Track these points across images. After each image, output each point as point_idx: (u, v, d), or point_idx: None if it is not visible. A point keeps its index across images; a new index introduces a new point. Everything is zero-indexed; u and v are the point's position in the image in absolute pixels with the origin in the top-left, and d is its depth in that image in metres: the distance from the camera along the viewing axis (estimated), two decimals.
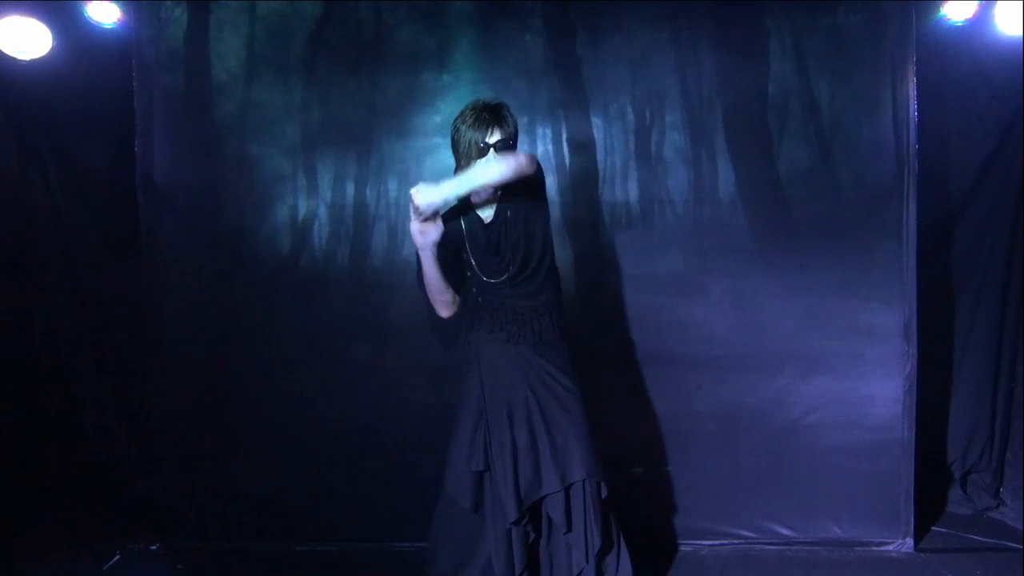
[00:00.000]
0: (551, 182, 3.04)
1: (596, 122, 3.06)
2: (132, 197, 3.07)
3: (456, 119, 2.32)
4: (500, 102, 2.31)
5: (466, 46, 3.05)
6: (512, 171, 2.21)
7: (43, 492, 3.46)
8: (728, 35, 3.03)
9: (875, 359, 3.05)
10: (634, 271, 3.08)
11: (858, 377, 3.06)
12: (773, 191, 3.06)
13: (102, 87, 3.24)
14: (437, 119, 3.06)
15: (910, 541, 3.06)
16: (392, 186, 3.07)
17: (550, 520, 2.33)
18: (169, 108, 3.06)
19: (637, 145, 3.07)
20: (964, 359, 3.59)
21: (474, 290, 2.41)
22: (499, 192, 2.39)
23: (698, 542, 3.11)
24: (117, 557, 3.04)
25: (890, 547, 3.06)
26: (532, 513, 2.32)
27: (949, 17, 3.09)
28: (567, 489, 2.28)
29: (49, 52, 3.05)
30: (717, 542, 3.11)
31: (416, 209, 2.20)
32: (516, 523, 2.27)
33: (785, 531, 3.11)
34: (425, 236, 2.25)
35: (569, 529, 2.30)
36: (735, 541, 3.11)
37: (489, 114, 2.26)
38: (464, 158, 2.29)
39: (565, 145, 3.07)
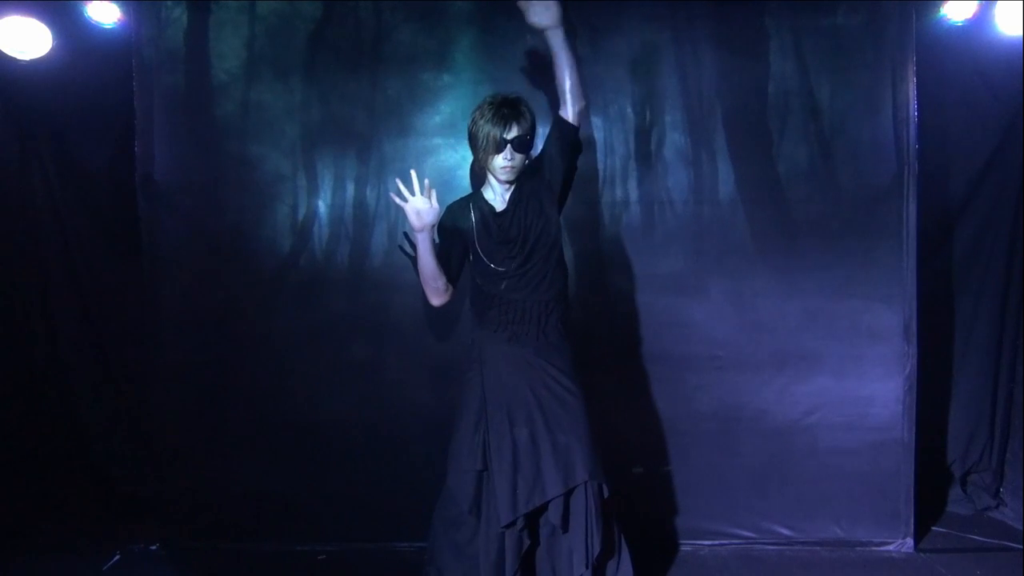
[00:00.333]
0: None
1: (596, 122, 3.06)
2: (132, 197, 3.07)
3: (474, 112, 2.33)
4: (518, 96, 2.33)
5: (466, 46, 3.05)
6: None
7: (43, 492, 3.46)
8: (728, 35, 3.03)
9: (875, 359, 3.05)
10: (634, 271, 3.08)
11: (858, 377, 3.06)
12: (773, 191, 3.06)
13: (102, 87, 3.23)
14: (437, 119, 3.06)
15: (910, 541, 3.06)
16: (392, 186, 3.05)
17: (551, 526, 2.33)
18: (169, 108, 3.06)
19: (637, 145, 3.07)
20: (964, 359, 3.59)
21: (482, 284, 2.41)
22: (514, 182, 2.41)
23: (698, 542, 3.11)
24: (117, 557, 3.04)
25: (890, 547, 3.06)
26: (529, 520, 2.32)
27: (949, 17, 3.09)
28: (568, 492, 2.28)
29: (49, 52, 3.05)
30: (717, 542, 3.11)
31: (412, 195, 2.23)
32: (508, 527, 2.26)
33: (785, 531, 3.11)
34: (422, 219, 2.27)
35: (566, 530, 2.29)
36: (735, 541, 3.11)
37: (508, 109, 2.28)
38: (482, 152, 2.32)
39: None
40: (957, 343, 3.59)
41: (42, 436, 3.49)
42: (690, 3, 3.03)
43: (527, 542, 2.33)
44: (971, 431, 3.60)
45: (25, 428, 3.45)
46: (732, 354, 3.08)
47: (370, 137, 3.07)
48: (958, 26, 3.12)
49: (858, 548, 3.07)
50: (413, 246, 2.39)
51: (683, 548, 3.09)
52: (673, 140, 3.07)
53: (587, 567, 2.27)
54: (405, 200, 2.31)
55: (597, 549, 2.27)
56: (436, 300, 2.45)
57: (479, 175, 2.49)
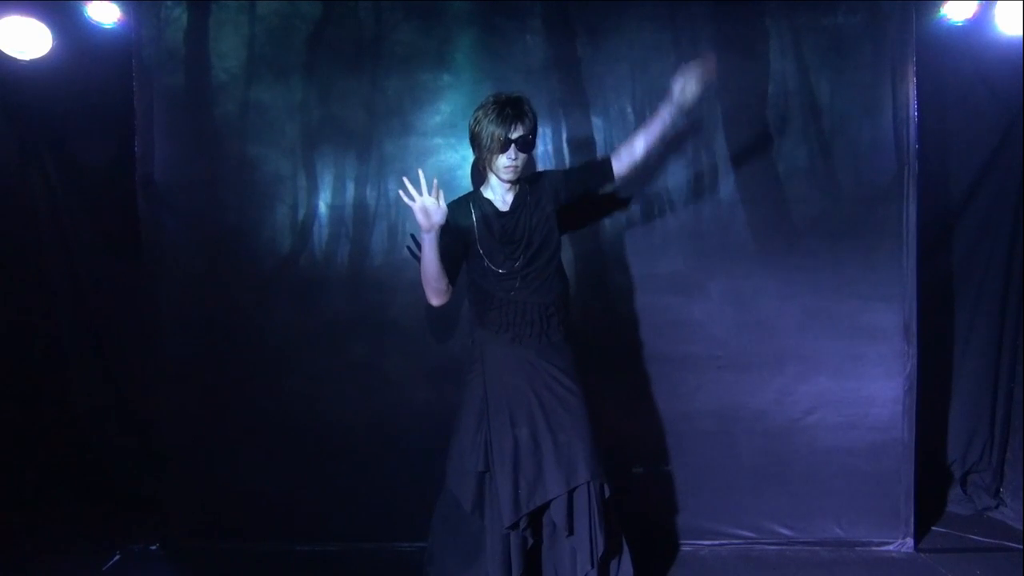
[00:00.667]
0: None
1: (596, 122, 3.06)
2: (132, 197, 3.07)
3: (477, 111, 2.35)
4: (521, 96, 2.34)
5: (466, 46, 3.05)
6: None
7: (43, 492, 3.46)
8: (728, 35, 3.03)
9: (875, 359, 3.06)
10: (634, 271, 3.08)
11: (858, 377, 3.06)
12: (773, 191, 3.06)
13: (102, 87, 3.24)
14: (437, 119, 3.06)
15: (910, 541, 3.06)
16: (392, 186, 3.07)
17: (553, 525, 2.33)
18: (169, 108, 3.06)
19: None
20: (964, 359, 3.59)
21: (481, 284, 2.42)
22: (517, 183, 2.43)
23: (698, 542, 3.12)
24: (117, 557, 3.04)
25: (890, 547, 3.06)
26: (532, 518, 2.32)
27: (949, 17, 3.09)
28: (571, 492, 2.28)
29: (49, 52, 3.05)
30: (717, 542, 3.11)
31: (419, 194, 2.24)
32: (513, 527, 2.26)
33: (785, 531, 3.11)
34: (430, 219, 2.27)
35: (571, 532, 2.29)
36: (735, 541, 3.11)
37: (512, 109, 2.29)
38: (487, 152, 2.32)
39: (565, 145, 3.07)
40: (957, 343, 3.59)
41: (42, 436, 3.50)
42: (690, 3, 3.03)
43: (531, 541, 2.33)
44: (971, 431, 3.60)
45: (25, 428, 3.45)
46: (732, 354, 3.08)
47: (370, 137, 3.07)
48: (958, 26, 3.12)
49: (858, 548, 3.07)
50: (419, 246, 2.39)
51: (683, 548, 3.09)
52: (673, 140, 3.06)
53: (592, 566, 2.27)
54: (412, 200, 2.30)
55: (602, 548, 2.27)
56: (436, 300, 2.45)
57: (480, 174, 2.49)
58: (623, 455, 3.05)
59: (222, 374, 3.11)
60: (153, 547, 3.12)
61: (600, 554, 2.27)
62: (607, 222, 3.08)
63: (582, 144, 3.06)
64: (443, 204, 2.30)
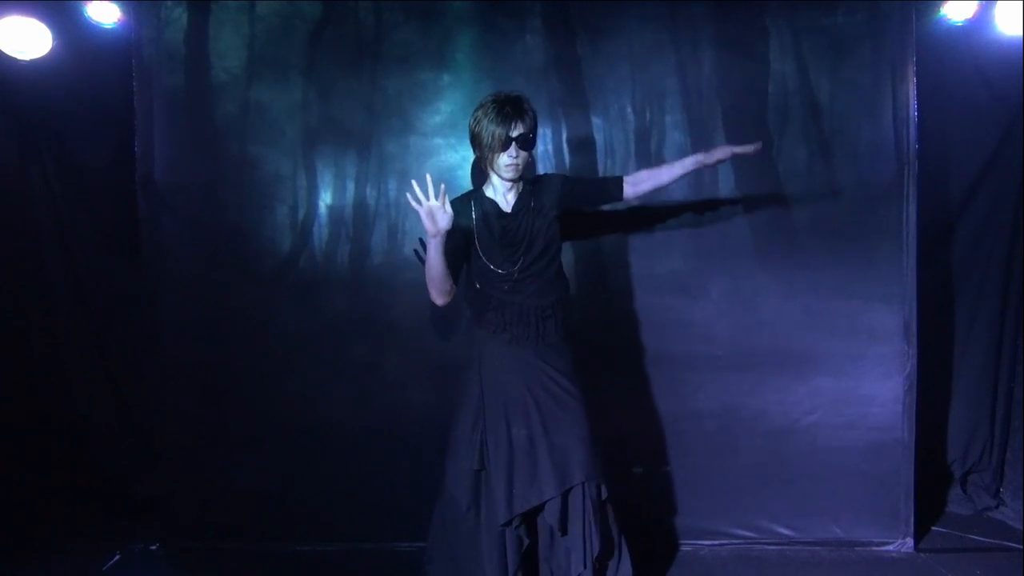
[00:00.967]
0: None
1: (596, 122, 3.06)
2: (132, 197, 3.07)
3: (477, 111, 2.35)
4: (520, 95, 2.34)
5: (466, 46, 3.05)
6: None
7: (43, 492, 3.46)
8: (728, 35, 3.03)
9: (875, 359, 3.05)
10: (634, 271, 3.08)
11: (858, 377, 3.06)
12: (773, 191, 3.06)
13: (102, 87, 3.24)
14: (437, 119, 3.06)
15: (910, 541, 3.06)
16: (392, 186, 3.07)
17: (551, 528, 2.33)
18: (169, 108, 3.06)
19: (637, 145, 3.07)
20: (964, 359, 3.59)
21: (480, 285, 2.42)
22: (521, 183, 2.43)
23: (698, 542, 3.12)
24: (117, 557, 3.04)
25: (890, 547, 3.06)
26: (527, 519, 2.32)
27: (949, 17, 3.09)
28: (566, 493, 2.28)
29: (49, 52, 3.05)
30: (717, 542, 3.11)
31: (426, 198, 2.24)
32: (506, 525, 2.26)
33: (785, 531, 3.11)
34: (437, 223, 2.26)
35: (564, 533, 2.29)
36: (735, 541, 3.11)
37: (511, 107, 2.29)
38: (487, 151, 2.32)
39: (565, 145, 3.07)
40: (957, 343, 3.59)
41: (42, 436, 3.50)
42: (690, 3, 3.02)
43: (527, 540, 2.33)
44: (971, 431, 3.60)
45: (25, 428, 3.45)
46: (732, 354, 3.08)
47: (370, 137, 3.07)
48: (958, 26, 3.12)
49: (858, 548, 3.07)
50: (424, 251, 2.38)
51: (683, 548, 3.09)
52: (673, 140, 3.06)
53: (585, 566, 2.27)
54: (420, 204, 2.27)
55: (596, 549, 2.27)
56: (441, 300, 2.44)
57: (482, 174, 2.49)
58: (623, 455, 3.05)
59: (222, 374, 3.11)
60: (153, 547, 3.12)
61: (595, 555, 2.27)
62: (607, 222, 3.08)
63: (582, 144, 3.06)
64: (448, 208, 2.29)
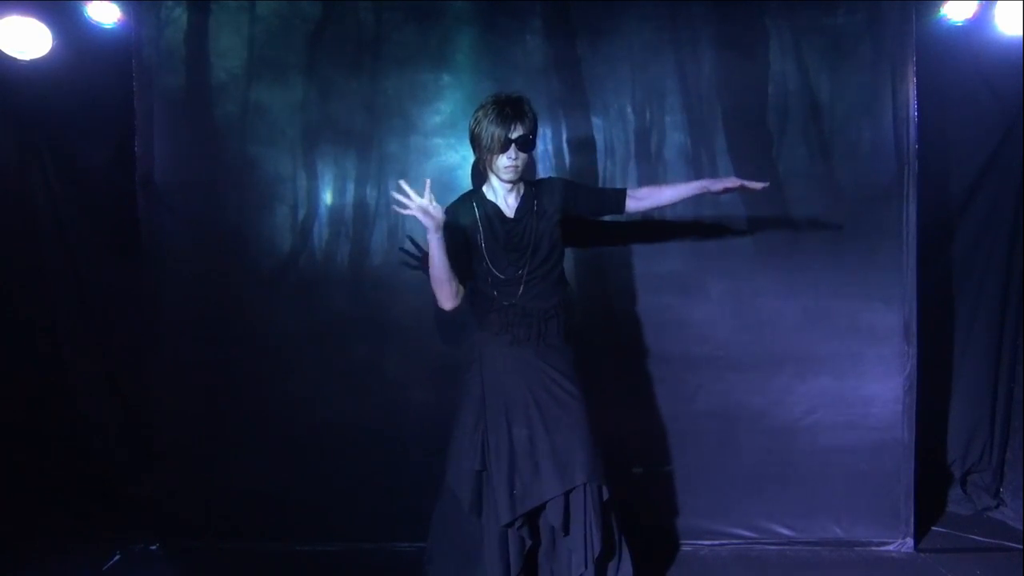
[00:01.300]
0: None
1: (596, 122, 3.06)
2: (132, 197, 3.07)
3: (477, 111, 2.34)
4: (521, 96, 2.34)
5: (466, 46, 3.05)
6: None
7: (43, 492, 3.46)
8: (728, 35, 3.02)
9: (875, 359, 3.05)
10: (634, 271, 3.08)
11: (858, 377, 3.06)
12: (773, 191, 3.05)
13: (102, 87, 3.23)
14: (437, 119, 3.06)
15: (910, 541, 3.06)
16: (392, 186, 3.04)
17: (551, 529, 2.33)
18: (169, 108, 3.06)
19: (637, 145, 3.07)
20: (964, 359, 3.59)
21: (483, 287, 2.42)
22: (523, 186, 2.43)
23: (698, 542, 3.12)
24: (117, 557, 3.04)
25: (890, 547, 3.06)
26: (530, 519, 2.32)
27: (949, 17, 3.09)
28: (567, 493, 2.27)
29: (49, 52, 3.05)
30: (717, 542, 3.11)
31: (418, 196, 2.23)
32: (509, 525, 2.26)
33: (785, 531, 3.11)
34: (433, 218, 2.25)
35: (567, 533, 2.29)
36: (735, 541, 3.11)
37: (512, 108, 2.29)
38: (487, 152, 2.32)
39: (565, 145, 3.07)
40: (957, 343, 3.59)
41: (42, 436, 3.50)
42: (690, 3, 3.02)
43: (529, 542, 2.33)
44: (971, 431, 3.60)
45: (25, 428, 3.45)
46: (732, 354, 3.08)
47: (370, 137, 3.07)
48: (958, 26, 3.12)
49: (858, 548, 3.07)
50: (418, 252, 2.37)
51: (683, 548, 3.09)
52: (673, 140, 3.06)
53: (586, 567, 2.27)
54: (406, 207, 2.25)
55: (597, 549, 2.27)
56: (449, 304, 2.41)
57: (481, 174, 2.49)
58: (623, 455, 3.05)
59: (222, 374, 3.11)
60: (153, 547, 3.12)
61: (596, 555, 2.27)
62: (607, 222, 3.07)
63: (582, 144, 3.06)
64: (435, 202, 2.27)
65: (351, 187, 3.09)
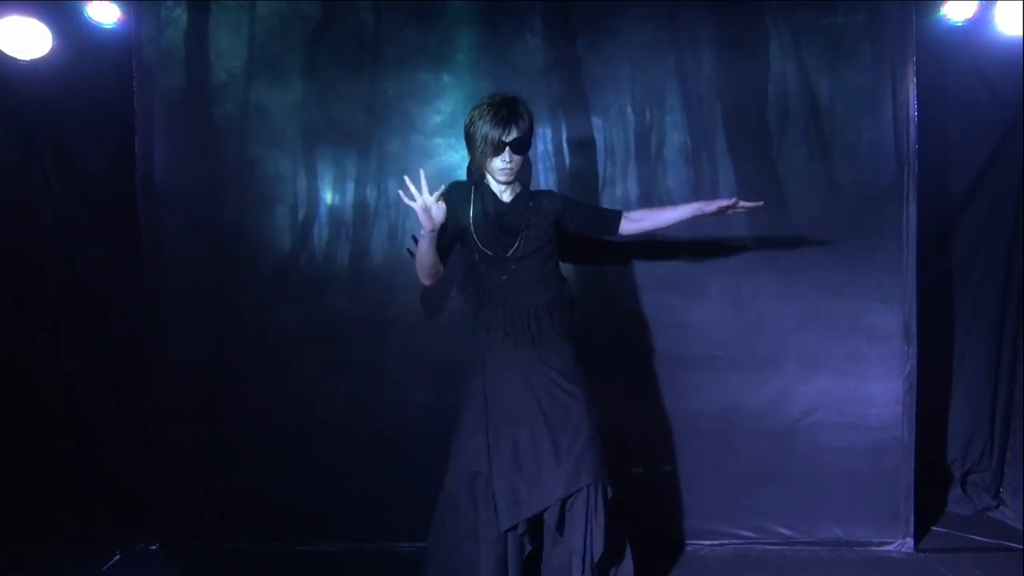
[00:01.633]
0: (551, 182, 3.06)
1: (596, 122, 3.06)
2: (132, 197, 3.07)
3: (472, 112, 2.35)
4: (516, 97, 2.35)
5: (466, 46, 3.05)
6: None
7: (43, 492, 3.46)
8: (728, 35, 3.02)
9: (875, 359, 3.05)
10: (634, 271, 3.08)
11: (858, 377, 3.06)
12: (773, 191, 3.06)
13: (102, 87, 3.23)
14: (437, 119, 3.06)
15: (910, 541, 3.06)
16: (392, 186, 3.06)
17: (553, 531, 2.32)
18: (169, 108, 3.06)
19: (637, 145, 3.07)
20: (964, 359, 3.59)
21: (474, 274, 2.43)
22: (519, 186, 2.44)
23: (698, 542, 3.12)
24: (117, 557, 3.04)
25: (890, 547, 3.06)
26: (532, 524, 2.31)
27: (949, 17, 3.09)
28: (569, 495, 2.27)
29: (49, 52, 3.05)
30: (717, 542, 3.11)
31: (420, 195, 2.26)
32: (512, 530, 2.26)
33: (785, 531, 3.11)
34: (432, 218, 2.29)
35: (562, 534, 2.28)
36: (735, 541, 3.11)
37: (507, 110, 2.29)
38: (480, 154, 2.32)
39: (565, 145, 3.07)
40: (957, 343, 3.59)
41: (42, 436, 3.50)
42: (690, 3, 3.02)
43: (528, 547, 2.32)
44: (971, 431, 3.60)
45: (25, 428, 3.45)
46: (732, 354, 3.08)
47: (370, 137, 3.07)
48: (958, 26, 3.11)
49: (858, 548, 3.07)
50: (415, 241, 2.40)
51: (683, 548, 3.09)
52: (673, 140, 3.06)
53: (584, 571, 2.26)
54: (413, 199, 2.31)
55: (598, 552, 2.26)
56: (428, 281, 2.54)
57: (477, 172, 2.50)
58: (623, 455, 3.04)
59: (222, 374, 3.11)
60: (153, 547, 3.11)
61: (595, 559, 2.26)
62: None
63: (582, 144, 3.06)
64: (443, 204, 2.32)
65: (351, 187, 3.09)
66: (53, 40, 3.04)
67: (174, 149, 3.07)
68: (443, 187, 2.33)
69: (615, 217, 2.56)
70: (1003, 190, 3.43)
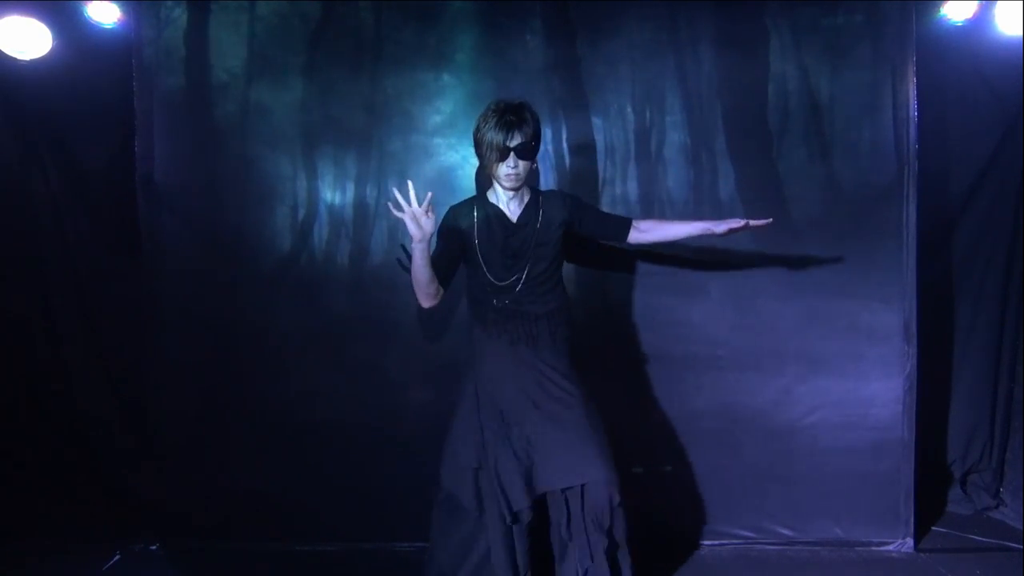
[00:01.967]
0: (552, 181, 3.06)
1: (596, 122, 3.06)
2: (132, 197, 3.07)
3: (479, 119, 2.35)
4: (523, 103, 2.34)
5: (466, 46, 3.05)
6: None
7: (43, 492, 3.45)
8: (728, 35, 3.03)
9: (875, 359, 3.05)
10: (634, 271, 3.08)
11: (858, 377, 3.06)
12: (773, 191, 3.06)
13: (102, 87, 3.23)
14: (437, 119, 3.06)
15: (910, 541, 3.06)
16: (392, 186, 3.05)
17: (561, 537, 2.32)
18: (169, 108, 3.06)
19: (637, 145, 3.07)
20: (964, 359, 3.59)
21: (478, 293, 2.42)
22: (528, 194, 2.43)
23: (698, 542, 3.11)
24: (117, 557, 3.04)
25: (890, 547, 3.06)
26: (540, 525, 2.31)
27: (949, 17, 3.09)
28: (565, 492, 2.27)
29: (49, 52, 3.05)
30: (717, 542, 3.11)
31: (410, 206, 2.23)
32: (514, 522, 2.26)
33: (785, 531, 3.11)
34: (422, 228, 2.26)
35: (570, 536, 2.29)
36: (735, 541, 3.11)
37: (512, 116, 2.28)
38: (488, 160, 2.32)
39: (565, 145, 3.07)
40: (957, 343, 3.59)
41: (42, 436, 3.49)
42: (690, 3, 3.03)
43: (528, 517, 2.32)
44: (971, 431, 3.60)
45: (25, 428, 3.45)
46: (732, 354, 3.08)
47: (370, 137, 3.07)
48: (958, 26, 3.12)
49: (858, 548, 3.07)
50: (408, 256, 2.37)
51: (683, 548, 3.09)
52: (673, 140, 3.06)
53: (584, 572, 2.27)
54: (402, 210, 2.27)
55: (599, 549, 2.26)
56: (427, 303, 2.44)
57: (486, 179, 2.50)
58: (623, 455, 3.02)
59: (222, 374, 3.11)
60: (153, 547, 3.11)
61: (598, 558, 2.26)
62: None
63: (582, 144, 3.06)
64: (432, 214, 2.28)
65: (351, 187, 3.09)
66: (53, 40, 3.04)
67: (174, 149, 3.07)
68: (430, 194, 2.27)
69: (624, 225, 2.55)
70: (1003, 190, 3.43)
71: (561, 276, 2.51)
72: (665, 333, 3.08)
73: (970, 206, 3.48)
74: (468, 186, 2.98)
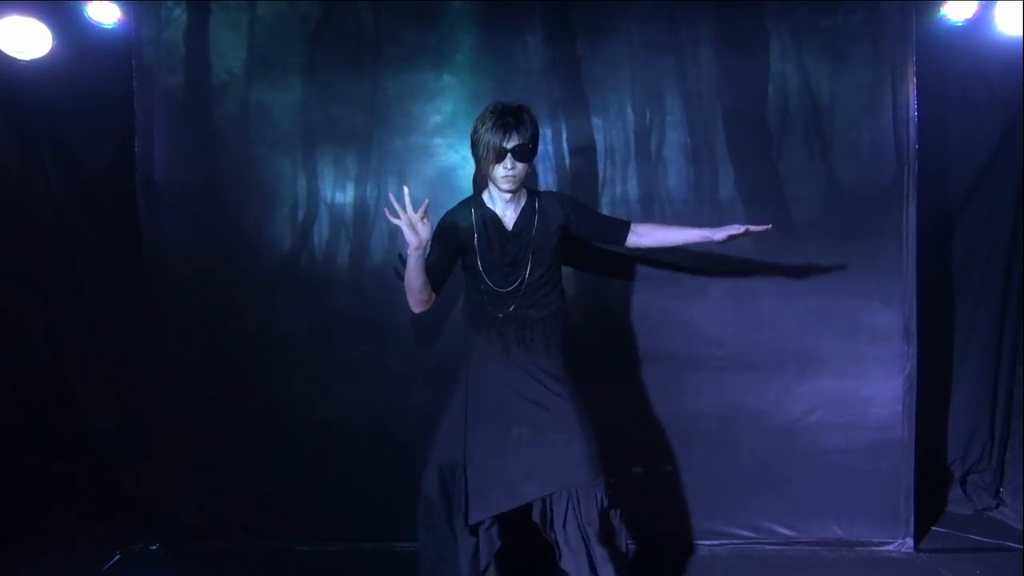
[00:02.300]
0: (551, 182, 3.06)
1: (596, 122, 3.06)
2: (132, 197, 3.07)
3: (476, 120, 2.33)
4: (520, 105, 2.33)
5: (466, 46, 3.05)
6: None
7: (43, 492, 3.46)
8: (728, 35, 3.03)
9: (875, 359, 3.05)
10: (634, 271, 3.08)
11: (858, 377, 3.06)
12: (773, 191, 3.06)
13: (102, 87, 3.24)
14: (437, 119, 3.06)
15: (910, 541, 3.06)
16: (392, 186, 3.06)
17: (557, 538, 2.31)
18: (169, 108, 3.06)
19: (637, 145, 3.07)
20: (964, 359, 3.60)
21: (476, 297, 2.42)
22: (526, 197, 2.43)
23: (698, 542, 3.11)
24: (117, 557, 3.04)
25: (890, 547, 3.06)
26: (507, 521, 2.30)
27: (949, 17, 3.09)
28: (564, 499, 2.26)
29: (49, 52, 3.05)
30: (717, 542, 3.11)
31: (405, 211, 2.22)
32: (478, 525, 2.26)
33: (785, 531, 3.11)
34: (419, 235, 2.24)
35: (553, 535, 2.28)
36: (735, 541, 3.11)
37: (510, 118, 2.27)
38: (484, 161, 2.31)
39: (565, 145, 3.07)
40: (957, 343, 3.60)
41: (42, 436, 3.49)
42: (690, 3, 3.03)
43: (498, 542, 2.31)
44: (971, 431, 3.60)
45: (25, 428, 3.45)
46: (732, 354, 3.08)
47: (370, 137, 3.07)
48: (958, 26, 3.12)
49: (858, 548, 3.07)
50: (404, 262, 2.35)
51: (683, 548, 3.09)
52: (673, 140, 3.06)
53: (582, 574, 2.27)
54: (397, 217, 2.23)
55: (595, 553, 2.25)
56: (419, 309, 2.43)
57: (483, 181, 2.49)
58: (623, 455, 3.04)
59: (222, 374, 3.11)
60: (153, 547, 3.12)
61: (597, 561, 2.26)
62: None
63: (582, 144, 3.06)
64: (427, 221, 2.25)
65: (351, 187, 3.09)
66: (53, 40, 3.04)
67: (174, 149, 3.07)
68: (427, 201, 2.24)
69: (623, 229, 2.54)
70: (1003, 190, 3.43)
71: (560, 278, 2.50)
72: (665, 333, 3.08)
73: (970, 206, 3.49)
74: (468, 186, 2.97)
